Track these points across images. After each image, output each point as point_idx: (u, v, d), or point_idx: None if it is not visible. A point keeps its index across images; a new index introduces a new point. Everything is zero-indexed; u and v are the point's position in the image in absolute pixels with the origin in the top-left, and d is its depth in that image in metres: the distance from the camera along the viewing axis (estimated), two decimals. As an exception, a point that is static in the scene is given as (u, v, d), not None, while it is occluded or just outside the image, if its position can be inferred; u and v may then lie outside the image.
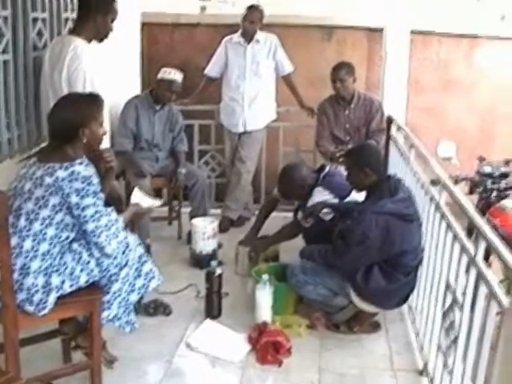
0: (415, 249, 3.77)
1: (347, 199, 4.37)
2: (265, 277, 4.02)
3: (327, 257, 3.82)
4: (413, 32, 5.96)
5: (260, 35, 5.76)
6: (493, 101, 7.28)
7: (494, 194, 4.86)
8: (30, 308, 2.90)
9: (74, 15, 4.05)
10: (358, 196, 4.26)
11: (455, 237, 3.23)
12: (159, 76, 5.27)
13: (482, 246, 2.81)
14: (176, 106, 5.59)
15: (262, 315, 4.00)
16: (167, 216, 5.92)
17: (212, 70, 5.94)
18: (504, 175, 4.99)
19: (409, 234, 3.71)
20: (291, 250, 4.57)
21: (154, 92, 5.34)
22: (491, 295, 2.62)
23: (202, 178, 5.44)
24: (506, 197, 4.83)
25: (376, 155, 3.94)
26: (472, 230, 3.84)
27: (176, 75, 5.26)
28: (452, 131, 6.92)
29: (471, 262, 2.91)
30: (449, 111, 7.25)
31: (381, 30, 6.02)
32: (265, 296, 3.99)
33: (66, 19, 4.62)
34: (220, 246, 5.25)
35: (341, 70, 5.25)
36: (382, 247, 3.64)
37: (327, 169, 4.57)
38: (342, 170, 4.87)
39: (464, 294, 2.97)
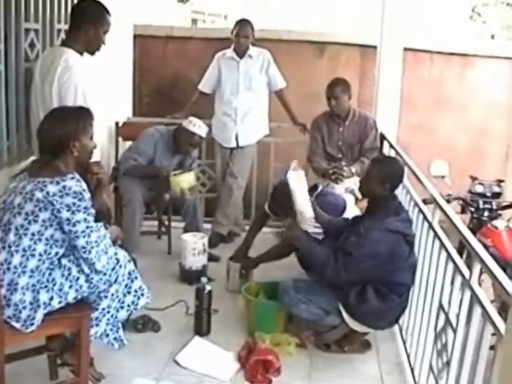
0: (412, 267, 3.77)
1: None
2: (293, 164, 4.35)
3: (328, 271, 3.70)
4: (405, 49, 5.95)
5: (253, 50, 5.74)
6: (484, 119, 7.31)
7: (486, 213, 4.86)
8: (17, 324, 2.85)
9: (67, 26, 4.01)
10: (350, 215, 4.27)
11: (449, 257, 3.20)
12: (183, 124, 5.20)
13: (477, 268, 2.78)
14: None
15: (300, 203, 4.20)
16: (157, 230, 5.87)
17: (205, 85, 5.91)
18: (496, 195, 4.99)
19: (407, 254, 3.71)
20: (283, 268, 4.55)
21: (176, 138, 5.25)
22: (486, 318, 2.59)
23: (194, 195, 5.39)
24: (497, 217, 4.83)
25: (401, 176, 3.93)
26: (462, 249, 3.85)
27: (200, 129, 5.18)
28: (443, 149, 6.93)
29: (466, 284, 2.88)
30: (440, 129, 7.26)
31: (374, 47, 6.01)
32: (298, 181, 4.24)
33: (59, 30, 4.60)
34: (217, 259, 5.26)
35: (336, 88, 5.18)
36: (385, 264, 3.63)
37: (320, 188, 4.55)
38: (337, 189, 4.90)
39: (458, 315, 2.94)
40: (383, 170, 3.84)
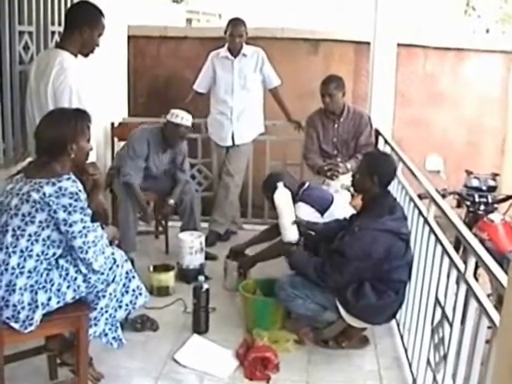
0: (408, 263, 3.78)
1: (328, 211, 4.43)
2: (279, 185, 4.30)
3: (324, 272, 3.75)
4: (399, 45, 5.95)
5: (247, 49, 5.74)
6: (479, 113, 7.30)
7: (482, 207, 4.87)
8: (15, 325, 2.86)
9: (61, 29, 4.01)
10: (338, 209, 4.30)
11: (444, 251, 3.21)
12: (167, 117, 5.11)
13: (472, 262, 2.79)
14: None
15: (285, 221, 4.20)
16: (154, 230, 5.88)
17: (200, 85, 5.91)
18: (491, 189, 5.00)
19: (403, 252, 3.72)
20: (278, 264, 4.55)
21: (164, 133, 5.18)
22: (482, 311, 2.61)
23: (191, 193, 5.40)
24: (493, 210, 4.84)
25: (391, 170, 3.91)
26: (459, 244, 3.86)
27: (183, 120, 5.07)
28: (438, 144, 6.95)
29: (461, 278, 2.89)
30: (435, 124, 7.27)
31: (367, 43, 6.02)
32: (284, 201, 4.21)
33: (53, 33, 4.60)
34: (215, 258, 5.29)
35: (330, 84, 5.18)
36: (381, 263, 3.65)
37: (306, 184, 4.59)
38: (333, 186, 4.93)
39: (454, 309, 2.96)
40: (370, 161, 3.88)
